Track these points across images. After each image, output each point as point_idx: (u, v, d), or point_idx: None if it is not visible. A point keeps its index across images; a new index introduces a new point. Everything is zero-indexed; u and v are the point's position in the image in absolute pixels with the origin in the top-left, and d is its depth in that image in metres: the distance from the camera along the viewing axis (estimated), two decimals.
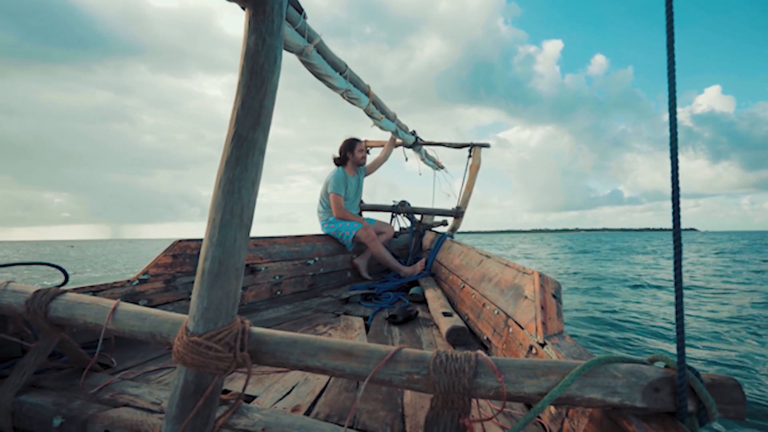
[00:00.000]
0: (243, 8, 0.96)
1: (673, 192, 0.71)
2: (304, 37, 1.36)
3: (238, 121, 0.87)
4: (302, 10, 1.34)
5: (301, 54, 1.39)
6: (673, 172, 0.71)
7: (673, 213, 0.72)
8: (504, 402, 0.75)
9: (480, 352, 0.81)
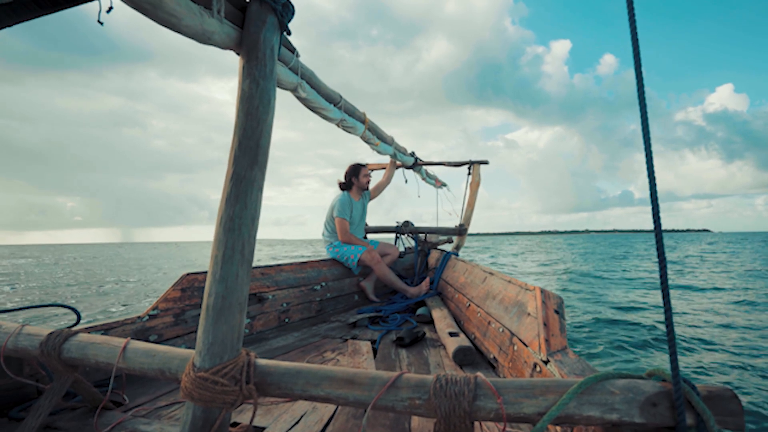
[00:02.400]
0: (237, 54, 1.03)
1: (653, 204, 0.74)
2: (297, 74, 1.43)
3: (236, 161, 0.92)
4: (294, 49, 1.41)
5: (294, 90, 1.46)
6: (650, 183, 0.74)
7: (654, 221, 0.74)
8: (504, 424, 0.77)
9: (479, 374, 0.83)
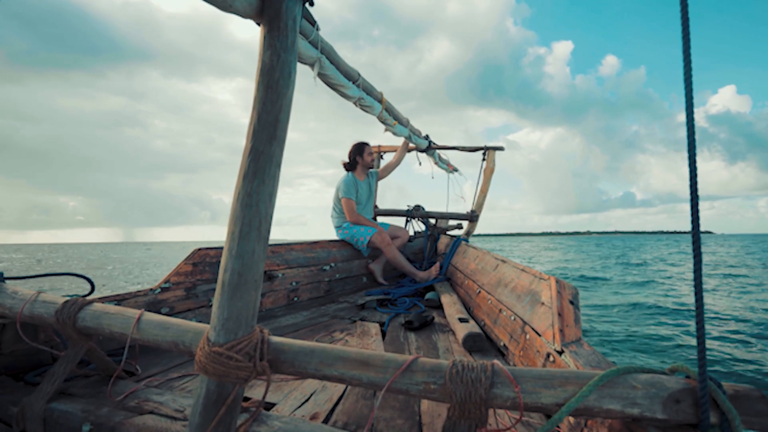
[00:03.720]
0: (258, 24, 0.99)
1: (692, 201, 0.70)
2: (317, 48, 1.39)
3: (254, 136, 0.89)
4: (315, 22, 1.37)
5: (314, 66, 1.42)
6: (691, 180, 0.70)
7: (692, 220, 0.71)
8: (521, 412, 0.75)
9: (496, 361, 0.81)
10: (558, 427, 1.07)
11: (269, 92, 0.90)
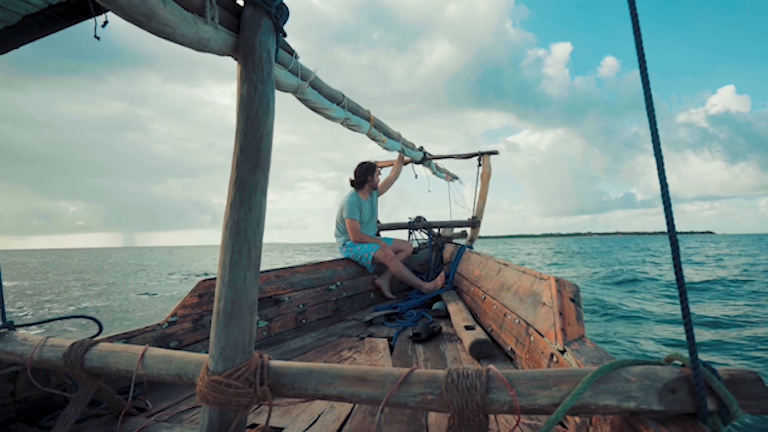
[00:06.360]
0: (235, 59, 1.03)
1: (662, 190, 0.72)
2: (297, 76, 1.43)
3: (238, 166, 0.93)
4: (293, 51, 1.41)
5: (296, 92, 1.46)
6: (659, 170, 0.71)
7: (665, 209, 0.72)
8: (518, 416, 0.76)
9: (491, 366, 0.82)
10: (565, 427, 1.06)
11: (249, 123, 0.94)
